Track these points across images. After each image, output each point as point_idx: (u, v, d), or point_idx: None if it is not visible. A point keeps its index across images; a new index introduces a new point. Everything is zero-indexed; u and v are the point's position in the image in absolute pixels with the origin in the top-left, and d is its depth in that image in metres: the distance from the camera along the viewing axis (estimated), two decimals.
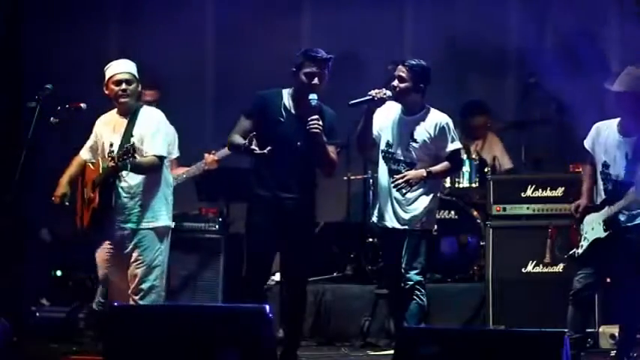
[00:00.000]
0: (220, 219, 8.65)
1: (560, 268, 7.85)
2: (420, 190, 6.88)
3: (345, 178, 9.16)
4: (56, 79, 7.37)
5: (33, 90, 7.18)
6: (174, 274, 8.47)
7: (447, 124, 6.92)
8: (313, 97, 6.71)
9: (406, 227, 6.87)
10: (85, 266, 7.82)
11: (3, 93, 9.55)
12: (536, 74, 9.24)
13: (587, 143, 6.94)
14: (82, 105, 7.21)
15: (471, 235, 8.76)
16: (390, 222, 6.91)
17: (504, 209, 8.26)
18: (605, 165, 6.80)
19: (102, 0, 10.47)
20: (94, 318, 7.90)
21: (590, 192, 6.90)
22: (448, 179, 8.61)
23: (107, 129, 7.05)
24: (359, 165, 9.15)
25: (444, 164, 6.92)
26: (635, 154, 6.73)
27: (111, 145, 6.96)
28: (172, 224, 7.15)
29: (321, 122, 6.68)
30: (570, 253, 6.86)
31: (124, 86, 6.96)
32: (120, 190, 6.94)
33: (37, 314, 8.53)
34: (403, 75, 6.85)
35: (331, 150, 6.85)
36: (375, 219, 7.06)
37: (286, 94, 6.87)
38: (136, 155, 6.71)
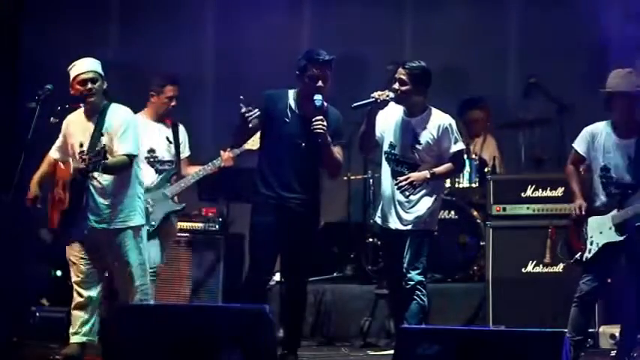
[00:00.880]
0: (220, 219, 8.65)
1: (560, 268, 7.85)
2: (423, 190, 6.87)
3: (345, 178, 9.16)
4: (56, 79, 7.36)
5: (33, 90, 7.17)
6: (175, 274, 8.48)
7: (449, 125, 6.92)
8: (318, 97, 6.72)
9: (409, 227, 6.87)
10: None
11: (2, 93, 9.55)
12: (536, 74, 9.25)
13: (579, 147, 6.91)
14: (82, 105, 7.20)
15: (471, 235, 8.76)
16: (394, 224, 6.91)
17: (504, 209, 8.26)
18: (605, 169, 6.78)
19: (102, 0, 10.48)
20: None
21: (583, 192, 6.89)
22: (448, 179, 8.60)
23: (76, 128, 6.99)
24: (359, 165, 9.15)
25: (447, 165, 6.92)
26: (639, 156, 6.72)
27: (81, 145, 6.93)
28: (144, 221, 7.08)
29: (325, 123, 6.69)
30: (576, 257, 6.83)
31: (89, 85, 6.91)
32: (92, 190, 6.90)
33: (37, 314, 8.53)
34: (404, 78, 6.84)
35: (337, 151, 6.85)
36: (378, 220, 7.06)
37: (292, 95, 6.88)
38: (107, 157, 6.66)
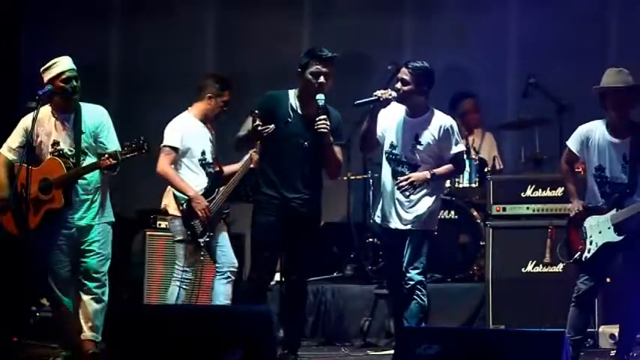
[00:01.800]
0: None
1: (560, 268, 7.85)
2: (424, 190, 6.88)
3: (345, 178, 9.16)
4: None
5: (32, 90, 7.16)
6: (175, 274, 8.48)
7: (450, 126, 6.92)
8: (321, 97, 6.71)
9: (409, 227, 6.88)
10: None
11: (3, 93, 9.55)
12: (536, 74, 9.25)
13: (573, 145, 6.91)
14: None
15: (471, 235, 8.76)
16: (394, 223, 6.92)
17: (504, 209, 8.25)
18: (600, 168, 6.78)
19: (103, 1, 10.48)
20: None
21: (579, 191, 6.90)
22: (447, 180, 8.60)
23: (44, 128, 6.95)
24: (359, 165, 9.15)
25: (448, 166, 6.93)
26: (634, 155, 6.72)
27: (56, 143, 6.91)
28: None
29: (328, 122, 6.68)
30: (576, 257, 6.83)
31: (74, 83, 6.90)
32: (78, 187, 6.93)
33: (37, 314, 8.53)
34: (406, 78, 6.84)
35: (337, 151, 6.85)
36: (378, 220, 7.06)
37: (293, 95, 6.87)
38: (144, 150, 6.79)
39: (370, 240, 8.98)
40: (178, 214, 7.56)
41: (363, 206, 9.33)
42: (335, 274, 9.17)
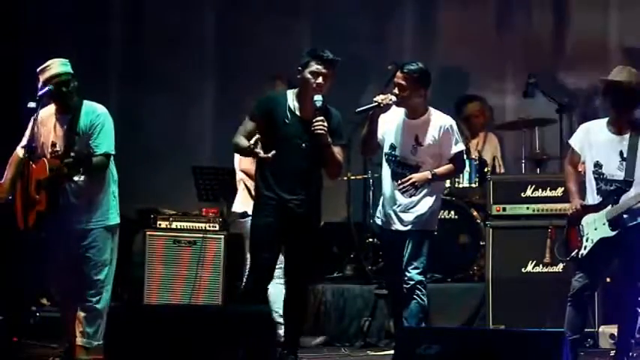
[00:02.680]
0: (220, 219, 8.65)
1: (560, 268, 7.84)
2: (424, 191, 6.89)
3: (345, 178, 9.16)
4: None
5: (33, 90, 7.16)
6: (175, 274, 8.49)
7: (450, 126, 6.93)
8: (318, 98, 6.69)
9: (409, 228, 6.88)
10: None
11: (3, 93, 9.55)
12: (536, 74, 9.26)
13: (574, 143, 6.93)
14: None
15: (471, 235, 8.76)
16: (395, 225, 6.93)
17: (504, 209, 8.25)
18: (598, 164, 6.78)
19: (103, 1, 10.48)
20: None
21: (580, 191, 6.90)
22: (448, 180, 8.60)
23: (46, 128, 6.92)
24: (359, 165, 9.15)
25: (448, 166, 6.94)
26: (631, 152, 6.73)
27: (54, 144, 6.88)
28: (119, 221, 7.06)
29: (326, 123, 6.67)
30: (572, 255, 6.84)
31: (63, 89, 6.84)
32: (68, 190, 6.86)
33: (37, 314, 8.53)
34: (402, 82, 6.84)
35: (337, 151, 6.82)
36: (378, 221, 7.06)
37: (291, 96, 6.85)
38: (90, 160, 6.67)
39: (370, 240, 8.97)
40: None
41: (363, 206, 9.32)
42: (335, 274, 9.17)
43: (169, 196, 9.40)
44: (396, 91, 6.86)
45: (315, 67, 6.73)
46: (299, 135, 6.74)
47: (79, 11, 10.14)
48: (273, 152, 6.61)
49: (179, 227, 8.59)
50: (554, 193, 8.13)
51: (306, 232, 6.85)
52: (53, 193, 6.82)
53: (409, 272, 6.85)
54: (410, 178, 6.83)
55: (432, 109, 6.95)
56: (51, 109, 6.98)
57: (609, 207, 6.72)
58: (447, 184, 8.68)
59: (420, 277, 6.85)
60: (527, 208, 8.20)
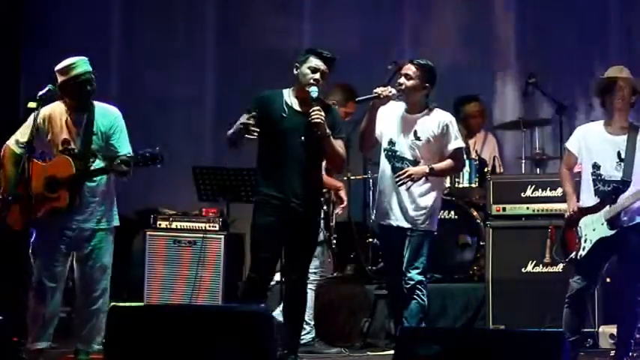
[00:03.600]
0: (220, 219, 8.65)
1: (560, 268, 7.84)
2: (426, 187, 6.89)
3: (345, 178, 9.16)
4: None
5: (33, 90, 7.15)
6: (175, 274, 8.49)
7: (450, 122, 6.95)
8: (313, 89, 6.69)
9: (409, 226, 6.88)
10: None
11: (3, 93, 9.56)
12: (536, 74, 9.26)
13: (572, 145, 6.94)
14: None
15: (471, 235, 8.76)
16: (395, 220, 6.92)
17: (504, 209, 8.26)
18: (596, 166, 6.79)
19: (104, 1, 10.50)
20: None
21: (576, 194, 6.91)
22: (448, 179, 8.61)
23: (55, 125, 6.87)
24: (359, 165, 9.15)
25: (447, 162, 6.95)
26: (629, 152, 6.74)
27: (66, 142, 6.84)
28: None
29: (322, 113, 6.66)
30: (571, 256, 6.85)
31: (88, 87, 6.83)
32: (85, 190, 6.85)
33: None
34: (411, 73, 6.87)
35: (339, 144, 6.81)
36: (377, 217, 7.06)
37: (287, 92, 6.85)
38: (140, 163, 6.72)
39: (370, 240, 8.97)
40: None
41: (363, 206, 9.33)
42: (335, 274, 9.17)
43: (169, 196, 9.40)
44: (402, 80, 6.87)
45: (314, 62, 6.74)
46: (297, 128, 6.72)
47: (79, 11, 10.16)
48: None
49: (179, 227, 8.60)
50: (554, 193, 8.13)
51: (306, 231, 6.85)
52: (77, 191, 6.81)
53: (409, 272, 6.86)
54: (407, 171, 6.83)
55: (431, 106, 6.97)
56: (57, 107, 6.92)
57: (607, 207, 6.72)
58: (447, 184, 8.69)
59: (420, 277, 6.86)
60: (527, 208, 8.20)
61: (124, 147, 6.88)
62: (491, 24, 10.07)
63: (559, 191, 8.05)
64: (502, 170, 9.24)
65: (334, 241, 8.48)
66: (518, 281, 8.07)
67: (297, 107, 6.80)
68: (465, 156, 7.45)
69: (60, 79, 6.85)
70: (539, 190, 8.20)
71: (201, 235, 8.53)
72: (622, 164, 6.74)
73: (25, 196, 6.74)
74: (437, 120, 6.92)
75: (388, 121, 6.97)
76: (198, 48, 10.38)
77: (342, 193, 8.17)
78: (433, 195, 6.92)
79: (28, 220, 6.82)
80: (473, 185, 8.93)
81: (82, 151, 6.82)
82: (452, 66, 9.70)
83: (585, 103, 9.31)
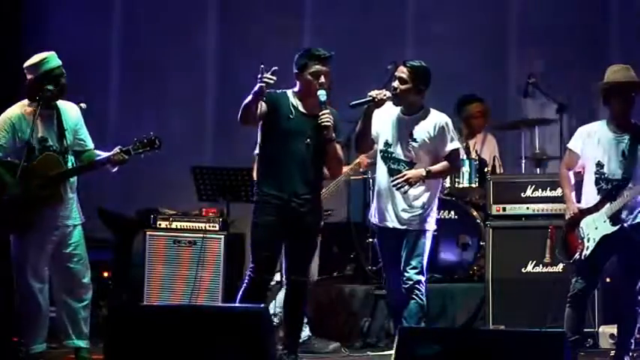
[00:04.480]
0: (220, 219, 8.65)
1: (560, 268, 7.84)
2: (421, 189, 6.88)
3: (345, 178, 9.15)
4: None
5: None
6: (175, 274, 8.49)
7: (446, 123, 6.93)
8: (322, 93, 6.69)
9: (406, 227, 6.88)
10: None
11: (3, 93, 9.55)
12: (536, 74, 9.26)
13: (574, 145, 6.94)
14: (82, 105, 7.18)
15: (471, 235, 8.76)
16: (391, 222, 6.92)
17: (504, 209, 8.26)
18: (600, 164, 6.80)
19: (104, 2, 10.49)
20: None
21: (576, 195, 6.91)
22: (448, 179, 8.61)
23: (26, 123, 6.84)
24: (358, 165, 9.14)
25: (444, 164, 6.93)
26: (632, 151, 6.74)
27: (44, 140, 6.85)
28: None
29: (332, 117, 6.67)
30: (575, 257, 6.84)
31: (62, 80, 6.87)
32: (67, 185, 6.91)
33: None
34: (404, 76, 6.85)
35: (338, 148, 6.83)
36: (374, 219, 7.06)
37: (291, 94, 6.85)
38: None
39: (370, 240, 8.97)
40: None
41: (363, 206, 9.33)
42: (335, 274, 9.17)
43: (169, 196, 9.40)
44: (395, 84, 6.86)
45: (314, 67, 6.74)
46: (303, 131, 6.73)
47: (79, 12, 10.16)
48: (275, 68, 6.52)
49: (179, 227, 8.59)
50: (554, 193, 8.14)
51: (307, 231, 6.85)
52: (65, 187, 6.86)
53: (407, 272, 6.85)
54: (404, 174, 6.83)
55: (427, 108, 6.96)
56: (23, 106, 6.92)
57: (607, 205, 6.73)
58: (447, 184, 8.69)
59: (418, 277, 6.85)
60: (527, 208, 8.21)
61: (89, 141, 7.00)
62: (492, 23, 10.06)
63: (559, 191, 8.05)
64: (502, 170, 9.22)
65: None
66: (518, 281, 8.07)
67: (302, 109, 6.80)
68: (461, 157, 7.44)
69: (30, 76, 6.87)
70: (539, 190, 8.20)
71: (201, 235, 8.53)
72: (625, 163, 6.74)
73: (21, 197, 6.76)
74: (433, 121, 6.91)
75: (384, 122, 6.96)
76: (199, 48, 10.38)
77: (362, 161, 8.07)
78: (427, 195, 6.91)
79: (23, 223, 6.82)
80: (473, 185, 8.92)
81: (59, 148, 6.86)
82: (452, 66, 9.71)
83: (586, 102, 9.31)
